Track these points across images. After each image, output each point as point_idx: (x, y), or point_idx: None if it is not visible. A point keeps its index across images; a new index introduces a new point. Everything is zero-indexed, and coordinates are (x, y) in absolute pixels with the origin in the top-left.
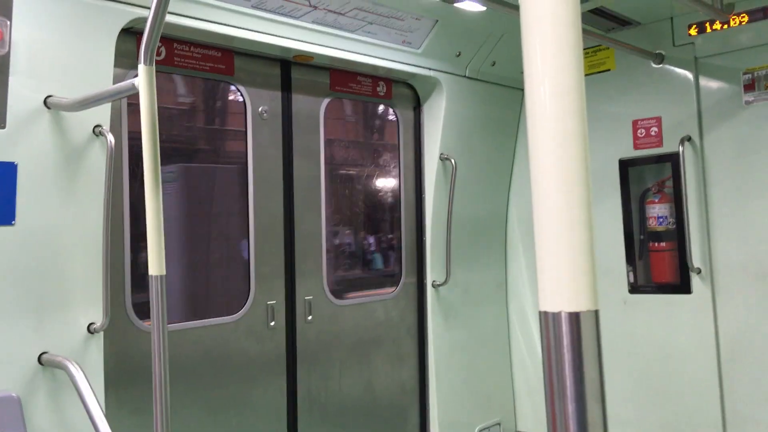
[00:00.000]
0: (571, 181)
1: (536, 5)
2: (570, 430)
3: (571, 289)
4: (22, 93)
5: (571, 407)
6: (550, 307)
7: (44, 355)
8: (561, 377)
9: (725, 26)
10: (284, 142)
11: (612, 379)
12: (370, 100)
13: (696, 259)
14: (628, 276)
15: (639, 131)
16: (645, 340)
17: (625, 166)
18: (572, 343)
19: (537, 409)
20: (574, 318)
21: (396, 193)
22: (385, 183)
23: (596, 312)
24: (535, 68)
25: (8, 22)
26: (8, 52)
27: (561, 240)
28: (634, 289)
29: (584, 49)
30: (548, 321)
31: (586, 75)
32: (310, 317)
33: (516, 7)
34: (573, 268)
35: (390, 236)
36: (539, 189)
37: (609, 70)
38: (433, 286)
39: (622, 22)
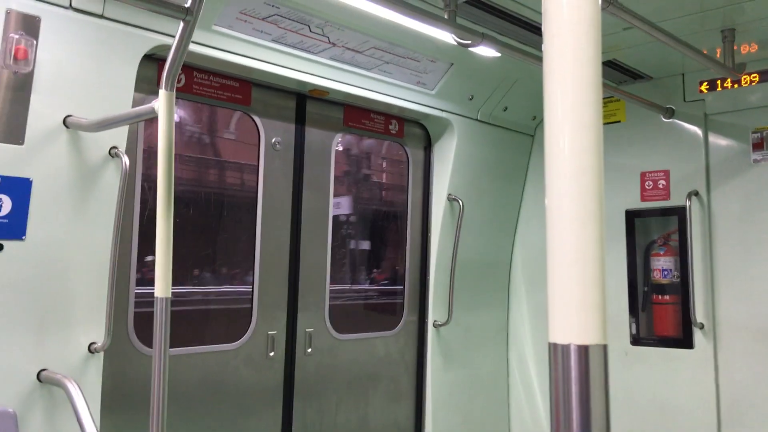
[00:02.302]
0: (585, 216)
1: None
2: None
3: (581, 322)
4: (43, 111)
5: None
6: (559, 339)
7: (43, 372)
8: (568, 409)
9: (736, 85)
10: (295, 174)
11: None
12: (382, 138)
13: (699, 314)
14: (630, 327)
15: (647, 183)
16: (644, 393)
17: (631, 216)
18: (580, 375)
19: None
20: (583, 351)
21: (402, 231)
22: (393, 221)
23: (605, 346)
24: (554, 108)
25: (34, 42)
26: (32, 71)
27: (573, 273)
28: (636, 340)
29: None
30: (557, 353)
31: None
32: (309, 349)
33: (530, 54)
34: (584, 301)
35: (394, 274)
36: (554, 223)
37: (619, 121)
38: (435, 325)
39: (634, 75)
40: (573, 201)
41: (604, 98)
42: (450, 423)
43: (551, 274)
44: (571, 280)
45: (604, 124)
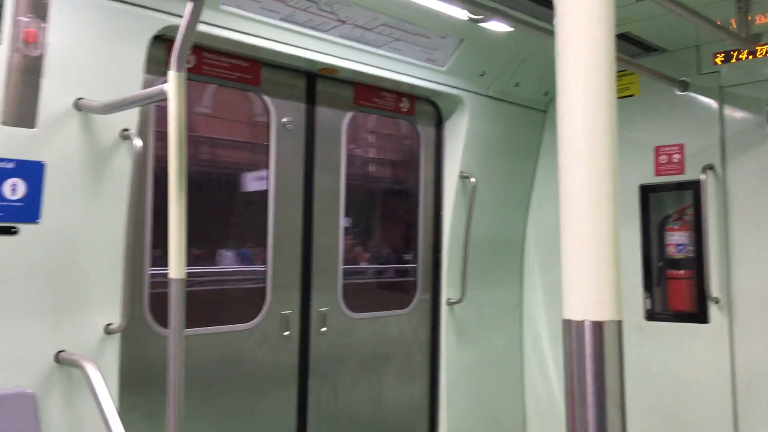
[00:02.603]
0: (599, 194)
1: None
2: None
3: (596, 299)
4: (54, 94)
5: (591, 414)
6: (574, 315)
7: (61, 354)
8: (582, 384)
9: (751, 56)
10: (306, 154)
11: (630, 407)
12: (393, 116)
13: (714, 288)
14: (644, 302)
15: (661, 157)
16: (659, 368)
17: (646, 191)
18: (595, 351)
19: (548, 430)
20: (598, 327)
21: (415, 209)
22: (405, 199)
23: (619, 322)
24: (568, 85)
25: (44, 25)
26: (42, 54)
27: (587, 250)
28: (651, 316)
29: None
30: (572, 329)
31: None
32: (323, 329)
33: (542, 29)
34: (598, 278)
35: (407, 252)
36: (568, 201)
37: (633, 95)
38: (448, 303)
39: (648, 48)
40: (586, 180)
41: (617, 72)
42: (464, 401)
43: (565, 251)
44: (585, 257)
45: (618, 98)
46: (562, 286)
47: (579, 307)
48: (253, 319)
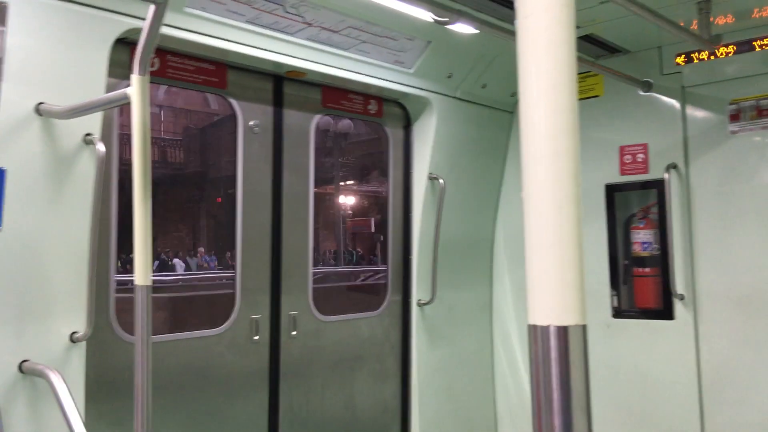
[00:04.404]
0: (563, 198)
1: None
2: None
3: (560, 304)
4: (14, 99)
5: (557, 420)
6: (539, 320)
7: (25, 363)
8: (548, 390)
9: (712, 57)
10: (274, 157)
11: (598, 405)
12: (361, 118)
13: (679, 285)
14: (611, 300)
15: (626, 157)
16: (627, 365)
17: (611, 191)
18: (560, 356)
19: (519, 429)
20: (563, 332)
21: (384, 211)
22: (374, 201)
23: (584, 327)
24: (530, 87)
25: (2, 29)
26: (1, 58)
27: (551, 255)
28: (618, 313)
29: None
30: (537, 334)
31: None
32: (294, 332)
33: (507, 31)
34: (562, 283)
35: (376, 254)
36: (531, 205)
37: (597, 96)
38: (419, 304)
39: (611, 49)
40: (549, 183)
41: (581, 73)
42: (436, 401)
43: (530, 256)
44: (549, 262)
45: (582, 99)
46: (527, 291)
47: (544, 313)
48: (222, 325)
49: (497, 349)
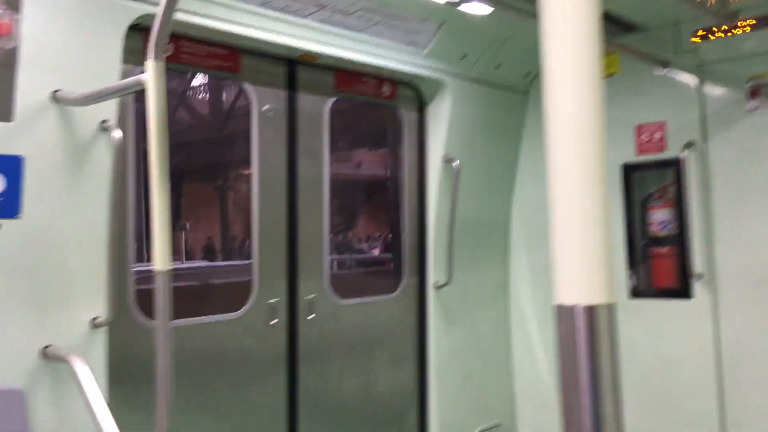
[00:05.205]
0: (588, 176)
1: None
2: (584, 423)
3: (587, 283)
4: (30, 87)
5: (585, 400)
6: (565, 300)
7: (48, 349)
8: (575, 370)
9: (730, 33)
10: (288, 141)
11: None
12: (375, 101)
13: (697, 264)
14: (629, 281)
15: (643, 136)
16: (645, 345)
17: (628, 170)
18: (588, 336)
19: (537, 412)
20: (590, 311)
21: (399, 194)
22: (389, 183)
23: (612, 305)
24: (553, 68)
25: (18, 17)
26: (17, 46)
27: (578, 233)
28: (635, 294)
29: None
30: (563, 314)
31: None
32: (311, 316)
33: (521, 10)
34: (589, 261)
35: (392, 237)
36: (557, 184)
37: (614, 74)
38: (435, 287)
39: (628, 27)
40: (575, 161)
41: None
42: (453, 383)
43: (555, 234)
44: (576, 240)
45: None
46: (553, 270)
47: (570, 292)
48: (239, 309)
49: (514, 331)
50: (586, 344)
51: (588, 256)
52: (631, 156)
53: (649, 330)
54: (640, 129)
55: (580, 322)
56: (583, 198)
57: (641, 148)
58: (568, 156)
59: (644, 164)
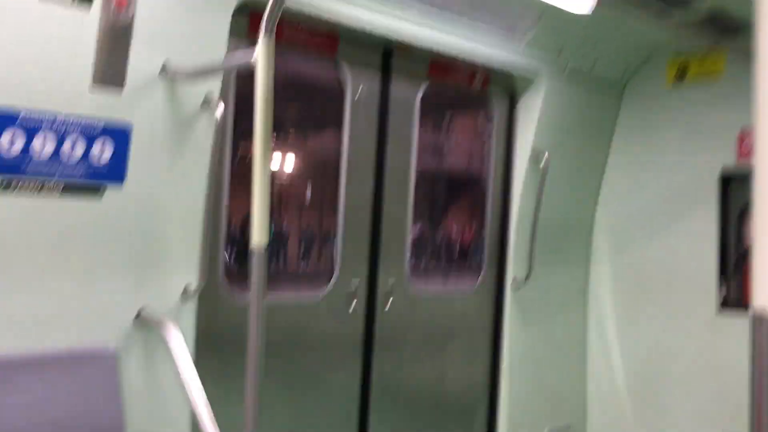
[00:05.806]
0: None
1: None
2: None
3: None
4: (141, 59)
5: None
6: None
7: (143, 312)
8: None
9: None
10: (379, 126)
11: (696, 401)
12: (467, 90)
13: None
14: (719, 293)
15: (746, 141)
16: (732, 359)
17: (727, 178)
18: None
19: (608, 417)
20: None
21: (484, 187)
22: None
23: None
24: None
25: None
26: (132, 19)
27: None
28: (725, 307)
29: (693, 53)
30: (764, 326)
31: (693, 83)
32: (389, 303)
33: (631, 4)
34: None
35: (475, 230)
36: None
37: (718, 74)
38: (514, 284)
39: (738, 26)
40: None
41: (705, 50)
42: (525, 381)
43: (758, 240)
44: None
45: (704, 79)
46: (753, 277)
47: None
48: (320, 292)
49: (590, 335)
50: None
51: None
52: (731, 162)
53: (738, 344)
54: (742, 134)
55: None
56: None
57: (743, 153)
58: None
59: (745, 171)
